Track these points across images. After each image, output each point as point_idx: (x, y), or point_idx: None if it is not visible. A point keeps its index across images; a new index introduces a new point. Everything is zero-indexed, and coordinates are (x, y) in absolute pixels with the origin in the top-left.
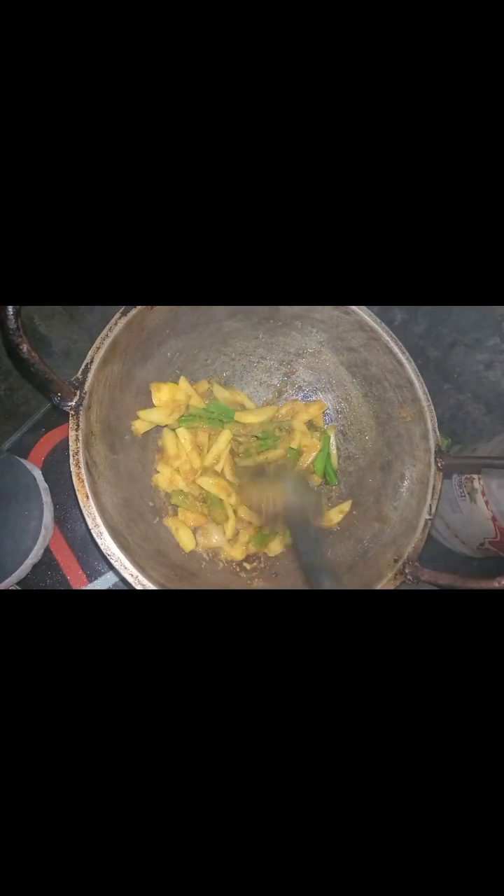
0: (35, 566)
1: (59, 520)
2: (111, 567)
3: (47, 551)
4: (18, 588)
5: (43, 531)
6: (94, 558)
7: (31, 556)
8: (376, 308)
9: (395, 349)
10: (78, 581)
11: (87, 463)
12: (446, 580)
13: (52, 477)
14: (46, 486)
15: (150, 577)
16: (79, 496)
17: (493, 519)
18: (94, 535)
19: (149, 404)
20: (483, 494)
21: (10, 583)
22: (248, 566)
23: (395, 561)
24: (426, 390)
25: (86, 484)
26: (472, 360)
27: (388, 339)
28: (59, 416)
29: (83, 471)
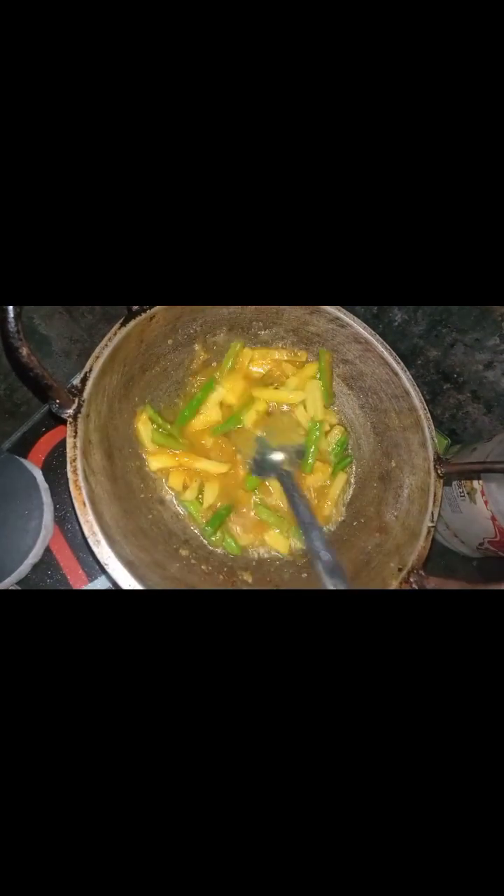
0: (35, 566)
1: (59, 520)
2: (108, 577)
3: (47, 551)
4: (18, 588)
5: (43, 531)
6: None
7: (31, 555)
8: (376, 308)
9: (390, 360)
10: (78, 581)
11: (84, 471)
12: (453, 587)
13: (53, 477)
14: (46, 485)
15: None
16: (76, 504)
17: (493, 518)
18: (91, 542)
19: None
20: (482, 494)
21: (10, 583)
22: (248, 579)
23: (400, 570)
24: (422, 399)
25: (83, 492)
26: (471, 359)
27: (382, 350)
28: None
29: (80, 478)
